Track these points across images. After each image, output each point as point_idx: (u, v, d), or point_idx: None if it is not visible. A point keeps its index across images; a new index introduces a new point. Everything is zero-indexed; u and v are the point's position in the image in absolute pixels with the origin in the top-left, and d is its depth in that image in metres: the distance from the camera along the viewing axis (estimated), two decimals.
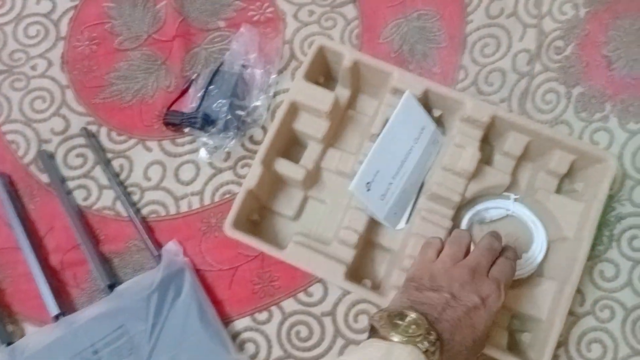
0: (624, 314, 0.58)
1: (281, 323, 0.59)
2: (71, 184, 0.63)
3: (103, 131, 0.65)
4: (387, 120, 0.56)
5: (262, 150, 0.56)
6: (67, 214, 0.61)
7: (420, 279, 0.46)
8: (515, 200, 0.60)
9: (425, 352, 0.39)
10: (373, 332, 0.43)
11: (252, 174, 0.56)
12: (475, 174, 0.57)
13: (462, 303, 0.44)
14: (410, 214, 0.59)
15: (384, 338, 0.40)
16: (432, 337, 0.40)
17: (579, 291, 0.59)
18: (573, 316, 0.58)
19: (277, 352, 0.58)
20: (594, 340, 0.58)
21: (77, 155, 0.64)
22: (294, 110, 0.59)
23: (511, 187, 0.61)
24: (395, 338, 0.39)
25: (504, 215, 0.60)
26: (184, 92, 0.65)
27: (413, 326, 0.40)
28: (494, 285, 0.45)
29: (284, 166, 0.58)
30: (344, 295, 0.59)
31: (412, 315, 0.41)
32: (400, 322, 0.41)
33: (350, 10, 0.69)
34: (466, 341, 0.43)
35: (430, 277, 0.46)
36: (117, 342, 0.55)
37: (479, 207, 0.59)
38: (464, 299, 0.44)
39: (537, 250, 0.58)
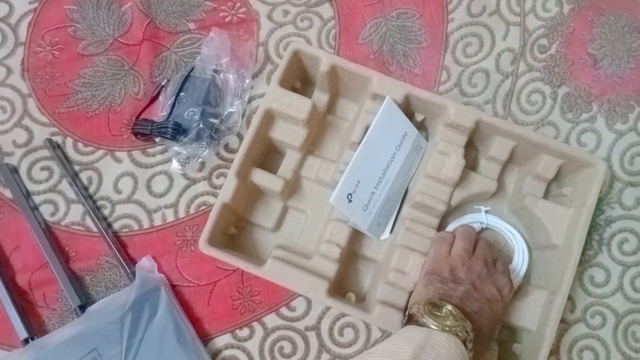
0: (615, 320, 0.57)
1: (264, 339, 0.56)
2: (37, 199, 0.59)
3: (69, 142, 0.61)
4: (367, 128, 0.54)
5: (236, 161, 0.54)
6: (33, 231, 0.57)
7: (441, 272, 0.49)
8: (487, 212, 0.59)
9: (464, 341, 0.42)
10: (410, 320, 0.46)
11: (227, 187, 0.53)
12: (460, 181, 0.55)
13: (483, 295, 0.47)
14: (394, 224, 0.57)
15: (423, 326, 0.43)
16: (468, 328, 0.42)
17: (569, 298, 0.57)
18: (564, 324, 0.57)
19: None
20: (585, 348, 0.57)
21: (42, 169, 0.60)
22: (269, 118, 0.56)
23: (498, 192, 0.59)
24: (435, 327, 0.42)
25: (479, 228, 0.58)
26: (153, 99, 0.61)
27: (450, 317, 0.43)
28: (506, 278, 0.49)
29: (260, 177, 0.56)
30: (328, 308, 0.57)
31: (448, 307, 0.44)
32: (438, 313, 0.43)
33: (326, 10, 0.66)
34: (490, 330, 0.46)
35: (450, 270, 0.48)
36: None
37: (451, 226, 0.57)
38: (485, 291, 0.47)
39: (520, 259, 0.56)
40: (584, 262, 0.59)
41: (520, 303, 0.53)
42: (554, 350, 0.57)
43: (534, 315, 0.53)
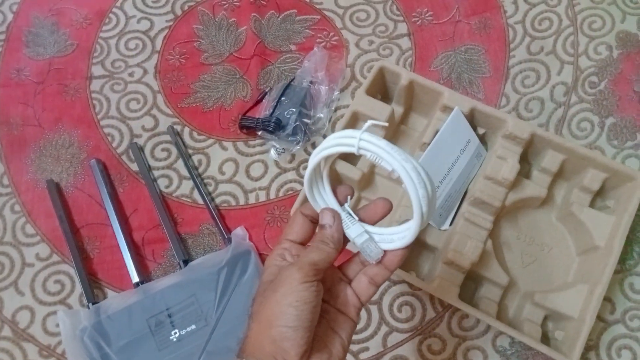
0: None
1: None
2: (156, 173, 0.72)
3: (186, 130, 0.74)
4: (437, 132, 0.64)
5: None
6: (151, 198, 0.70)
7: None
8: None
9: None
10: None
11: None
12: (514, 185, 0.64)
13: None
14: (453, 218, 0.66)
15: None
16: None
17: (609, 300, 0.63)
18: (604, 323, 0.63)
19: None
20: (623, 347, 0.62)
21: (163, 150, 0.73)
22: (354, 119, 0.67)
23: (547, 203, 0.67)
24: None
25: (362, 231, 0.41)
26: (258, 101, 0.74)
27: None
28: None
29: (343, 167, 0.66)
30: (390, 286, 0.66)
31: None
32: None
33: (405, 42, 0.78)
34: None
35: None
36: (188, 309, 0.62)
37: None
38: None
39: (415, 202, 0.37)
40: (625, 270, 0.65)
41: (564, 294, 0.60)
42: (594, 346, 0.62)
43: (576, 305, 0.59)
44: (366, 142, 0.37)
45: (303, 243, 0.42)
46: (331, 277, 0.42)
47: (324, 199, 0.43)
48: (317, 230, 0.41)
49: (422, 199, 0.36)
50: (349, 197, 0.43)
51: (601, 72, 0.74)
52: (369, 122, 0.38)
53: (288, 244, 0.41)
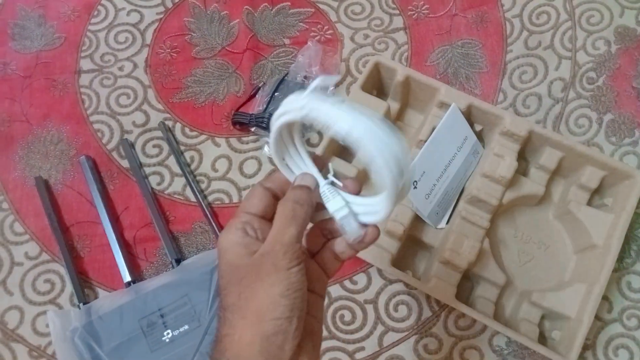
0: None
1: (327, 306, 0.64)
2: (147, 170, 0.71)
3: (178, 126, 0.73)
4: (433, 129, 0.63)
5: (320, 148, 0.64)
6: (142, 196, 0.68)
7: None
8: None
9: None
10: None
11: None
12: (512, 183, 0.63)
13: None
14: (450, 216, 0.65)
15: None
16: None
17: (607, 299, 0.63)
18: (601, 322, 0.63)
19: None
20: (621, 346, 0.62)
21: (154, 146, 0.72)
22: None
23: (544, 200, 0.66)
24: None
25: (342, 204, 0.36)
26: (251, 96, 0.73)
27: None
28: None
29: (338, 164, 0.65)
30: (386, 285, 0.65)
31: None
32: None
33: (401, 36, 0.77)
34: None
35: None
36: (181, 309, 0.61)
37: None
38: None
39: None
40: (623, 268, 0.65)
41: (561, 294, 0.60)
42: (591, 345, 0.62)
43: (573, 304, 0.59)
44: (310, 107, 0.31)
45: (264, 217, 0.36)
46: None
47: (300, 168, 0.38)
48: (284, 199, 0.35)
49: (390, 162, 0.30)
50: (330, 165, 0.38)
51: (599, 68, 0.73)
52: (317, 81, 0.33)
53: (248, 217, 0.35)
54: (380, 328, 0.63)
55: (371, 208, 0.35)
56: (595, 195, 0.66)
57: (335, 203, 0.36)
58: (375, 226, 0.36)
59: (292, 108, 0.33)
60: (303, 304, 0.33)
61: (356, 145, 0.30)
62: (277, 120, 0.35)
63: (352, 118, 0.30)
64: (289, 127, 0.36)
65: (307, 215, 0.34)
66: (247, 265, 0.33)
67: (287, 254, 0.32)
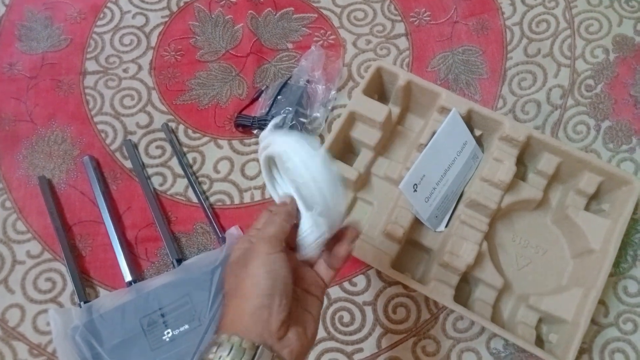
0: None
1: (327, 307, 0.65)
2: (150, 171, 0.71)
3: (181, 128, 0.74)
4: (434, 133, 0.64)
5: (324, 147, 0.64)
6: (144, 196, 0.69)
7: None
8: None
9: None
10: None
11: None
12: (510, 187, 0.64)
13: None
14: (449, 219, 0.65)
15: None
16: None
17: (603, 303, 0.64)
18: (597, 326, 0.63)
19: (321, 333, 0.63)
20: (617, 350, 0.62)
21: (157, 147, 0.73)
22: (352, 119, 0.67)
23: (543, 205, 0.67)
24: None
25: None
26: (254, 99, 0.74)
27: None
28: None
29: (339, 167, 0.66)
30: (385, 287, 0.65)
31: None
32: None
33: (403, 42, 0.78)
34: None
35: None
36: (182, 308, 0.61)
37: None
38: None
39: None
40: (619, 273, 0.65)
41: (558, 297, 0.60)
42: (587, 349, 0.62)
43: (570, 308, 0.59)
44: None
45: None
46: (295, 262, 0.44)
47: (284, 190, 0.46)
48: (267, 210, 0.44)
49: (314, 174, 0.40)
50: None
51: (597, 76, 0.74)
52: (272, 123, 0.44)
53: (255, 232, 0.43)
54: (378, 330, 0.64)
55: (308, 227, 0.42)
56: (593, 200, 0.66)
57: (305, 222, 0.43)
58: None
59: (262, 146, 0.44)
60: (284, 287, 0.39)
61: (287, 160, 0.41)
62: (260, 156, 0.45)
63: (287, 142, 0.41)
64: (268, 160, 0.45)
65: (283, 221, 0.41)
66: (238, 257, 0.41)
67: (266, 245, 0.39)
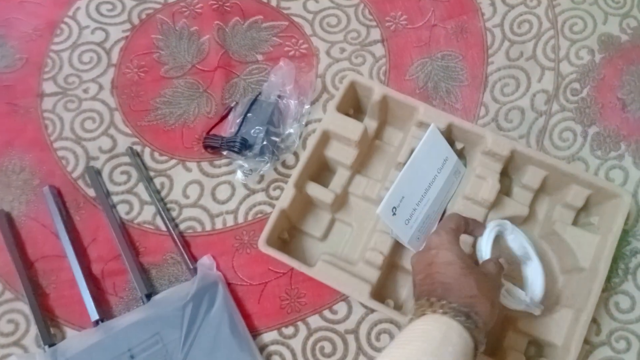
0: (639, 346, 0.60)
1: (306, 338, 0.62)
2: (115, 199, 0.67)
3: (147, 151, 0.70)
4: (412, 150, 0.60)
5: (295, 173, 0.61)
6: (110, 226, 0.65)
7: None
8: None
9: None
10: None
11: (286, 195, 0.60)
12: (495, 204, 0.61)
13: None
14: None
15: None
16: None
17: (595, 321, 0.61)
18: (589, 345, 0.60)
19: None
20: None
21: (122, 173, 0.69)
22: (326, 138, 0.63)
23: (529, 219, 0.64)
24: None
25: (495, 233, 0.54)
26: (223, 117, 0.70)
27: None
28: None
29: (314, 189, 0.62)
30: (367, 314, 0.62)
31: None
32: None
33: (378, 49, 0.74)
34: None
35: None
36: (152, 348, 0.58)
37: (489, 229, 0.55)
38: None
39: (537, 280, 0.56)
40: (610, 288, 0.62)
41: (547, 320, 0.57)
42: None
43: (560, 331, 0.56)
44: None
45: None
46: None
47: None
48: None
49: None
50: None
51: (583, 79, 0.71)
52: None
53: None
54: (362, 359, 0.61)
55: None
56: (582, 212, 0.63)
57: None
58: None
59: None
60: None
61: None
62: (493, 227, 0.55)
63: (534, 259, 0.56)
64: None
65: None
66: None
67: (448, 234, 0.49)
